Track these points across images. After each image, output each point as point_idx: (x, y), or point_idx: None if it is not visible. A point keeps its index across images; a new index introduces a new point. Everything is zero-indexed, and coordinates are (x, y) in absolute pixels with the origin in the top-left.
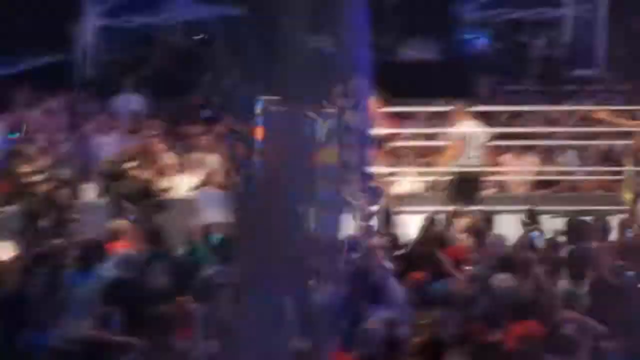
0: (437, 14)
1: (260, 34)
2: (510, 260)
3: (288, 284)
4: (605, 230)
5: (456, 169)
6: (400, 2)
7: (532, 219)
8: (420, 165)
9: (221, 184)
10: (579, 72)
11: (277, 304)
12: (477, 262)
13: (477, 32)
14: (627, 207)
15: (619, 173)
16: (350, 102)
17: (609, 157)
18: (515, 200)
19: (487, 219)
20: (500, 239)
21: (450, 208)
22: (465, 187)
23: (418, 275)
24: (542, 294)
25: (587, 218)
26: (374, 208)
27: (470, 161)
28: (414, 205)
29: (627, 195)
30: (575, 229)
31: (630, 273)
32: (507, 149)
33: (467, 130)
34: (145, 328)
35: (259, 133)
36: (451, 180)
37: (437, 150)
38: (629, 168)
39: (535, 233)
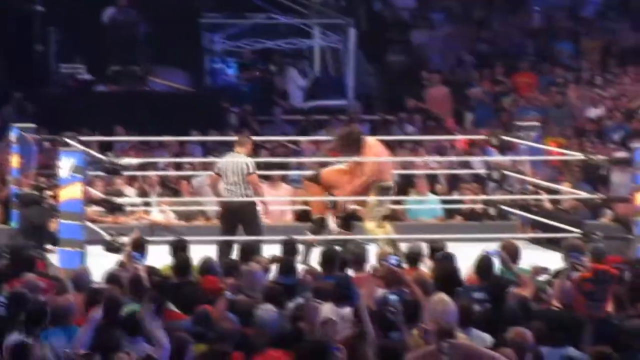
0: (187, 44)
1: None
2: (273, 290)
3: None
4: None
5: (217, 200)
6: (151, 31)
7: (291, 249)
8: (170, 195)
9: None
10: (328, 103)
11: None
12: (238, 292)
13: (226, 62)
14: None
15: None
16: None
17: None
18: (275, 230)
19: (248, 249)
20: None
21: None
22: (231, 218)
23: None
24: (305, 323)
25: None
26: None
27: (230, 193)
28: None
29: (369, 225)
30: (330, 259)
31: (394, 299)
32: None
33: (222, 161)
34: None
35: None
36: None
37: (188, 180)
38: (372, 198)
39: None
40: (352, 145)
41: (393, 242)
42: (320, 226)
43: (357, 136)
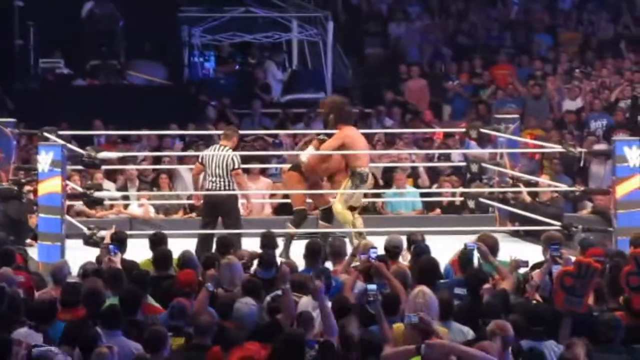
0: (166, 38)
1: None
2: (252, 283)
3: None
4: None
5: (200, 193)
6: (129, 25)
7: (270, 243)
8: (149, 189)
9: None
10: (306, 96)
11: None
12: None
13: (205, 56)
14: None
15: None
16: None
17: None
18: (254, 223)
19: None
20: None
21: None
22: (212, 210)
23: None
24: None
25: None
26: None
27: (212, 184)
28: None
29: (338, 207)
30: (314, 252)
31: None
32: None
33: (206, 153)
34: None
35: None
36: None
37: (167, 174)
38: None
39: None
40: (337, 114)
41: (362, 235)
42: (301, 218)
43: (343, 105)
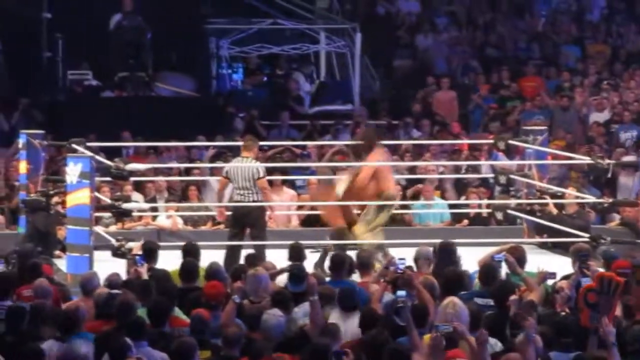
0: (193, 50)
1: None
2: (282, 295)
3: None
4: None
5: (229, 204)
6: (157, 37)
7: (298, 255)
8: (177, 200)
9: None
10: (333, 107)
11: None
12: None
13: (232, 67)
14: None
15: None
16: None
17: None
18: (280, 234)
19: (254, 254)
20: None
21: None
22: (240, 221)
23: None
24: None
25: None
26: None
27: (240, 197)
28: (173, 241)
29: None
30: (339, 264)
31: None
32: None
33: (231, 166)
34: None
35: (23, 168)
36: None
37: (196, 185)
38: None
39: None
40: (365, 146)
41: (382, 248)
42: (342, 235)
43: (372, 134)
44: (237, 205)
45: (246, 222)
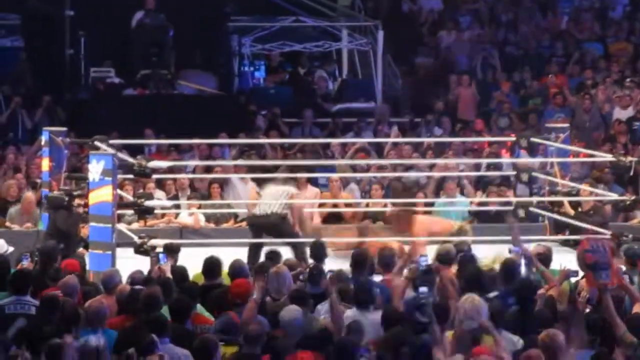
0: (216, 47)
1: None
2: (300, 292)
3: None
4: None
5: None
6: (179, 35)
7: (319, 253)
8: (199, 198)
9: None
10: (356, 105)
11: None
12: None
13: (254, 65)
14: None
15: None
16: None
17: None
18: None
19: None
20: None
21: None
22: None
23: None
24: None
25: None
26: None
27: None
28: (195, 239)
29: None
30: (358, 261)
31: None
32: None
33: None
34: None
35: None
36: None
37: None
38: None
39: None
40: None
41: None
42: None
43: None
44: (260, 217)
45: (270, 233)
